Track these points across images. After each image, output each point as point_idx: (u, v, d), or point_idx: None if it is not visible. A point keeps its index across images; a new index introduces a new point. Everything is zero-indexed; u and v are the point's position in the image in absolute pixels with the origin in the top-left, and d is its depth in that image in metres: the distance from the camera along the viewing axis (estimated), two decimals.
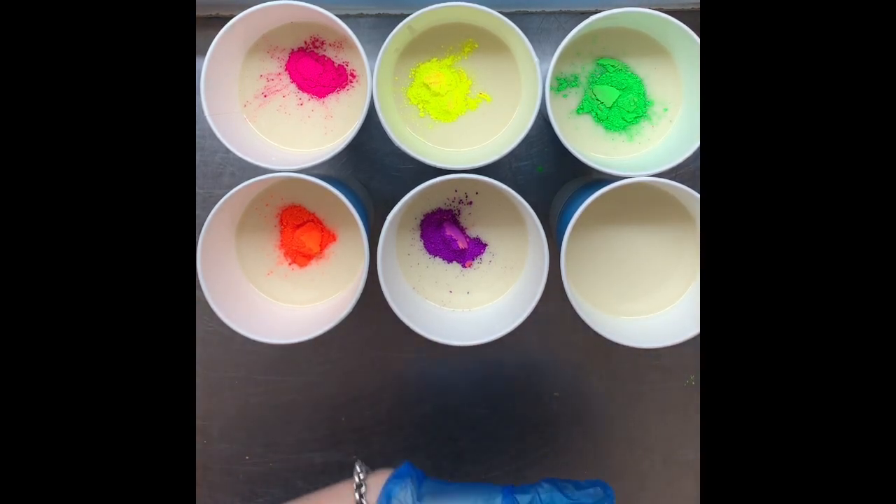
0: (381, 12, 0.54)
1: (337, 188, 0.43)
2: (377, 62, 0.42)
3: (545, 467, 0.56)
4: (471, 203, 0.48)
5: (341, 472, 0.55)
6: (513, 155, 0.53)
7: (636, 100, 0.47)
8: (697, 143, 0.42)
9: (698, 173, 0.52)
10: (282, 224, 0.47)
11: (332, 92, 0.47)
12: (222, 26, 0.43)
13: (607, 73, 0.47)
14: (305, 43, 0.47)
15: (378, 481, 0.41)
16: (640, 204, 0.47)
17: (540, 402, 0.55)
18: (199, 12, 0.53)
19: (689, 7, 0.52)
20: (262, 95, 0.47)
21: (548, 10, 0.54)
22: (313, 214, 0.47)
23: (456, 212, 0.48)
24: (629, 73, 0.47)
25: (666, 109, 0.47)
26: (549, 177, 0.54)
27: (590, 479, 0.41)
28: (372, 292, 0.43)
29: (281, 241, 0.48)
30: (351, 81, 0.47)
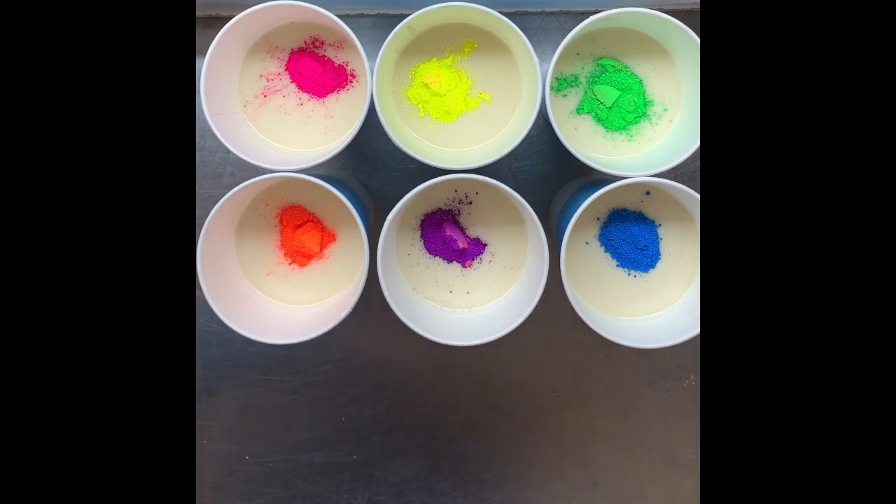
0: (381, 12, 0.54)
1: (337, 188, 0.43)
2: (377, 62, 0.42)
3: (545, 467, 0.56)
4: (471, 203, 0.48)
5: (341, 472, 0.56)
6: (513, 155, 0.53)
7: (636, 100, 0.47)
8: (697, 143, 0.42)
9: (698, 173, 0.52)
10: (282, 224, 0.47)
11: (332, 92, 0.47)
12: (222, 26, 0.43)
13: (607, 73, 0.47)
14: (305, 43, 0.47)
15: None
16: (640, 204, 0.47)
17: (540, 402, 0.55)
18: (199, 12, 0.53)
19: (689, 7, 0.52)
20: (262, 95, 0.47)
21: (548, 10, 0.54)
22: (313, 214, 0.47)
23: (456, 212, 0.48)
24: (629, 73, 0.47)
25: (666, 109, 0.47)
26: (549, 177, 0.54)
27: None
28: (372, 292, 0.43)
29: (281, 241, 0.48)
30: (351, 81, 0.47)
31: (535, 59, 0.43)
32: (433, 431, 0.55)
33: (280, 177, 0.43)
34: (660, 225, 0.47)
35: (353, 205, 0.43)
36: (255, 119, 0.47)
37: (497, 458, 0.56)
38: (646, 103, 0.47)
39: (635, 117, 0.47)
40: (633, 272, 0.48)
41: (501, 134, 0.47)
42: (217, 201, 0.42)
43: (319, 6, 0.42)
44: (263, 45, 0.47)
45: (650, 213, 0.47)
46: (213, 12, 0.53)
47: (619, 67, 0.47)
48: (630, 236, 0.47)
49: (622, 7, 0.43)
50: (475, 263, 0.48)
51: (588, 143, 0.47)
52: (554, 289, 0.43)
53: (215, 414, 0.55)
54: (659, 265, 0.47)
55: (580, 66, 0.47)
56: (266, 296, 0.48)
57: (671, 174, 0.43)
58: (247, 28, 0.45)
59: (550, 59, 0.42)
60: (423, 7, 0.42)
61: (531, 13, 0.54)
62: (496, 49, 0.47)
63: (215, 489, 0.55)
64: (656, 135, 0.47)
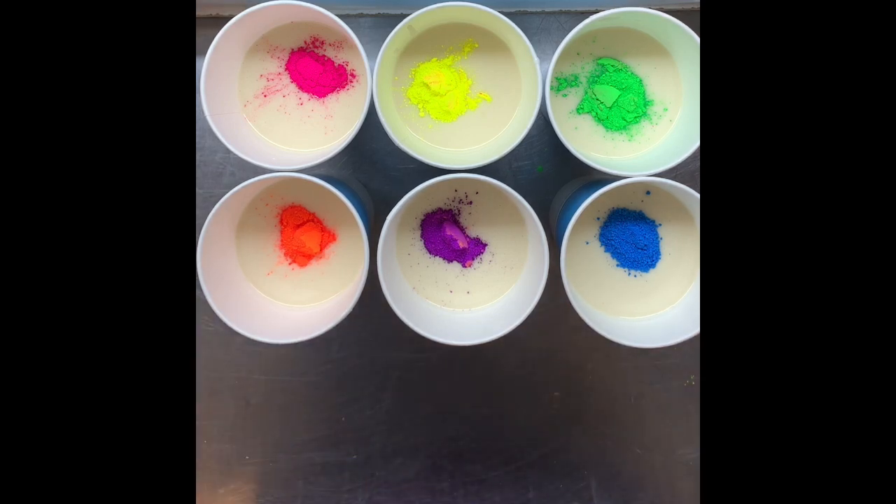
0: (381, 12, 0.54)
1: (337, 188, 0.43)
2: (377, 62, 0.42)
3: (545, 467, 0.56)
4: (471, 203, 0.48)
5: (341, 472, 0.56)
6: (513, 155, 0.53)
7: (636, 100, 0.47)
8: (697, 143, 0.42)
9: (698, 173, 0.52)
10: (282, 224, 0.47)
11: (332, 92, 0.47)
12: (222, 26, 0.43)
13: (607, 73, 0.47)
14: (305, 43, 0.47)
15: None
16: (640, 204, 0.47)
17: (540, 402, 0.55)
18: (199, 12, 0.53)
19: (689, 7, 0.52)
20: (262, 95, 0.47)
21: (548, 10, 0.54)
22: (313, 214, 0.47)
23: (456, 212, 0.48)
24: (629, 72, 0.47)
25: (666, 109, 0.47)
26: (549, 177, 0.54)
27: None
28: (372, 292, 0.43)
29: (281, 241, 0.48)
30: (351, 81, 0.47)
31: (535, 59, 0.43)
32: (433, 431, 0.56)
33: (280, 177, 0.43)
34: (660, 225, 0.47)
35: (353, 205, 0.43)
36: (255, 119, 0.47)
37: (497, 458, 0.56)
38: (646, 103, 0.47)
39: (635, 117, 0.47)
40: (633, 272, 0.48)
41: (501, 134, 0.47)
42: (217, 201, 0.42)
43: (319, 6, 0.42)
44: (263, 45, 0.47)
45: (650, 212, 0.47)
46: (213, 12, 0.53)
47: (619, 67, 0.47)
48: (630, 236, 0.47)
49: (622, 7, 0.43)
50: (475, 263, 0.48)
51: (588, 142, 0.47)
52: (554, 289, 0.43)
53: (215, 414, 0.55)
54: (659, 265, 0.47)
55: (580, 65, 0.47)
56: (266, 296, 0.48)
57: (671, 174, 0.43)
58: (247, 28, 0.45)
59: (550, 58, 0.42)
60: (423, 7, 0.42)
61: (531, 13, 0.54)
62: (496, 49, 0.47)
63: (215, 489, 0.55)
64: (656, 135, 0.47)
